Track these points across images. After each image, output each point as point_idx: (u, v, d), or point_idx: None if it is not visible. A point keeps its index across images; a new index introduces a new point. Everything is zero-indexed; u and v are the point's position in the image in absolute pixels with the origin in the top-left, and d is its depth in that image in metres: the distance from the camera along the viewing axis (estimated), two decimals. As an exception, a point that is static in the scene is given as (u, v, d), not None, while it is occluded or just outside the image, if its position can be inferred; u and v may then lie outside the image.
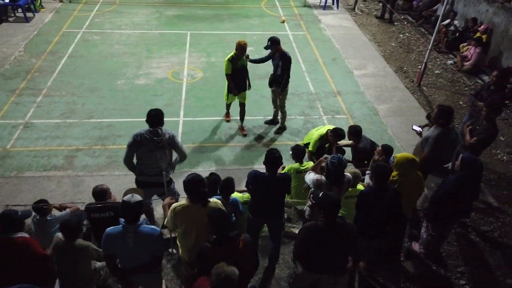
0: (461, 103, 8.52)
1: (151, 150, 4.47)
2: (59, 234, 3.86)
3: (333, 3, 13.30)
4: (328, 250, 3.55)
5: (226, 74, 6.68)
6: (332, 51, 10.41)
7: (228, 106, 7.36)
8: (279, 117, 7.36)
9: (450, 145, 5.15)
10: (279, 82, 6.76)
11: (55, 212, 4.52)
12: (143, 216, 5.01)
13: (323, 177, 4.21)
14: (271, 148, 4.21)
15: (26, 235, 3.62)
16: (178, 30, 10.89)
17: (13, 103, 7.57)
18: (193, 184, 3.60)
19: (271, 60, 6.83)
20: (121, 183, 5.60)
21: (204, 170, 6.29)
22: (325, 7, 13.10)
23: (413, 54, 10.56)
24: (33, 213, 4.46)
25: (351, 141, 5.68)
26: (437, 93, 8.87)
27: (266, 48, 6.65)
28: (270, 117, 7.52)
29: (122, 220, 3.42)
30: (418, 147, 5.38)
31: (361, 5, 13.79)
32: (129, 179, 5.82)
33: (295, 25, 11.76)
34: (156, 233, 3.46)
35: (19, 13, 10.98)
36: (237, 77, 6.69)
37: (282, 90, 6.86)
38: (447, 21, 10.80)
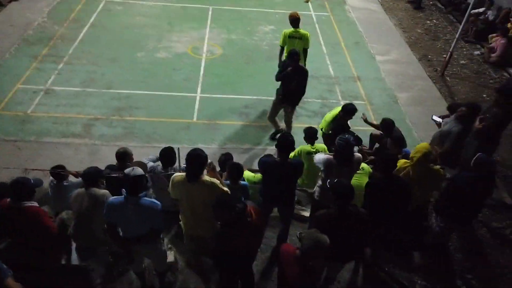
0: (484, 95, 8.27)
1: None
2: (78, 189, 4.03)
3: (360, -15, 12.88)
4: (340, 238, 3.53)
5: None
6: (356, 35, 10.16)
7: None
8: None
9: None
10: (293, 98, 6.17)
11: (72, 179, 4.64)
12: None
13: (332, 157, 4.19)
14: (283, 132, 4.18)
15: (35, 204, 3.73)
16: (200, 4, 10.76)
17: (35, 69, 7.68)
18: (189, 157, 3.56)
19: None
20: (138, 154, 5.67)
21: (218, 147, 6.34)
22: (351, -12, 12.70)
23: (439, 42, 10.24)
24: (51, 178, 4.61)
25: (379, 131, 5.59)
26: (461, 84, 8.62)
27: (288, 62, 5.85)
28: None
29: (124, 191, 3.50)
30: (436, 138, 5.29)
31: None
32: (144, 151, 5.94)
33: (319, 6, 11.49)
34: (156, 206, 3.48)
35: (44, -21, 11.00)
36: None
37: (294, 107, 6.31)
38: (482, 9, 10.38)
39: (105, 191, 4.00)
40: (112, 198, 3.55)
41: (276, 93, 6.25)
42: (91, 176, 4.00)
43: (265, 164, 4.13)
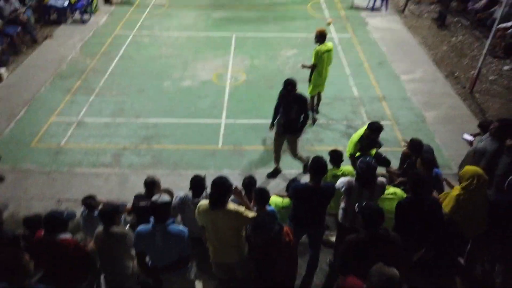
0: (517, 111, 7.98)
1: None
2: (100, 227, 4.05)
3: (381, 5, 12.92)
4: (371, 263, 3.42)
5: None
6: (379, 55, 10.11)
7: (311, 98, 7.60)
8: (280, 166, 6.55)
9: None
10: (295, 127, 6.00)
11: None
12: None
13: (353, 180, 4.15)
14: (316, 155, 4.14)
15: (69, 236, 3.82)
16: (223, 32, 11.06)
17: (68, 101, 8.05)
18: (213, 185, 3.61)
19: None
20: (164, 182, 5.77)
21: (243, 172, 6.35)
22: (373, 8, 12.76)
23: (466, 59, 10.02)
24: (82, 208, 4.74)
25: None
26: (491, 100, 8.36)
27: (286, 91, 5.71)
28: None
29: (151, 219, 3.54)
30: (470, 157, 5.10)
31: (412, 7, 13.28)
32: (171, 179, 6.04)
33: (341, 28, 11.56)
34: (183, 233, 3.52)
35: (77, 15, 11.65)
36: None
37: (299, 136, 6.13)
38: (510, 23, 10.12)
39: (124, 231, 3.99)
40: (140, 227, 3.60)
41: (275, 125, 6.13)
42: (108, 216, 3.95)
43: (297, 189, 4.12)
